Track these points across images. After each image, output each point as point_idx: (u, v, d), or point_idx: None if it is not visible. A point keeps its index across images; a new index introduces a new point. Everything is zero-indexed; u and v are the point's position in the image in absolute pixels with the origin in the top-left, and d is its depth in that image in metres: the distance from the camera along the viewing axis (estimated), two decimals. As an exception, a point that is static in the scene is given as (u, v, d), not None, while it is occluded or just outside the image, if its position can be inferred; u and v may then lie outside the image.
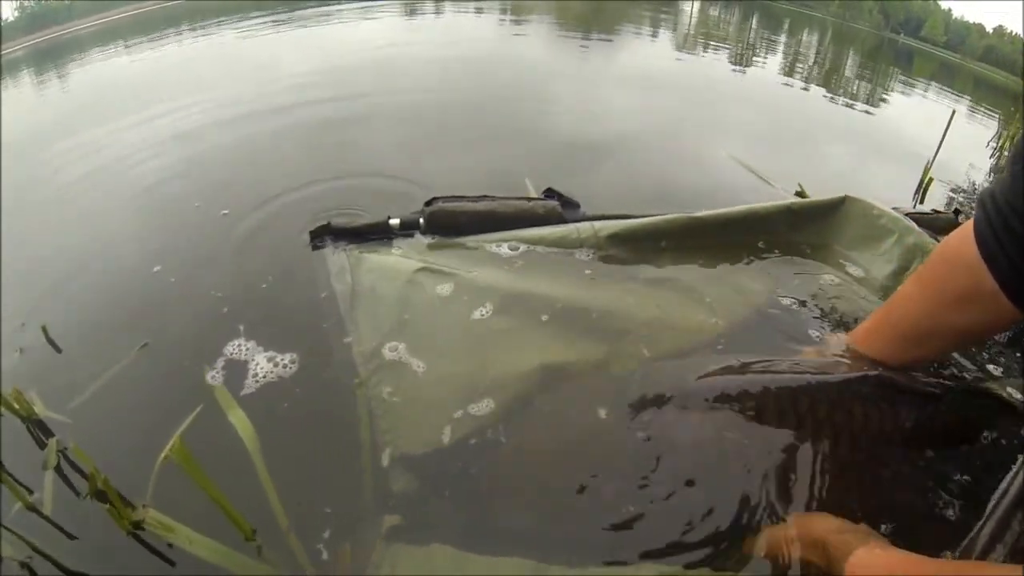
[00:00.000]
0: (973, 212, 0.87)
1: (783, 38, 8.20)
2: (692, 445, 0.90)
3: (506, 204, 1.51)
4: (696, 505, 0.86)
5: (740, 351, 1.07)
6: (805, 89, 5.03)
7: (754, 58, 6.28)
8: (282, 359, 1.18)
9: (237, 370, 1.17)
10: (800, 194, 2.11)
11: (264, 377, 1.15)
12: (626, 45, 5.84)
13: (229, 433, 0.99)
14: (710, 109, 3.65)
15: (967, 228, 0.85)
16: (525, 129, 2.79)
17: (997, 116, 5.40)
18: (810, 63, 6.98)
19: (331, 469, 1.01)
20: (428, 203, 1.52)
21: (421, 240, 1.50)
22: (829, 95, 4.95)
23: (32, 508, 0.94)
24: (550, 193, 1.63)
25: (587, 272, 1.39)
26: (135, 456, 0.97)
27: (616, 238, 1.45)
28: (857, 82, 6.27)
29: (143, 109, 3.06)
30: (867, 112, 4.49)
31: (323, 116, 2.79)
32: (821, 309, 1.31)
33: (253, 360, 1.18)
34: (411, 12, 6.88)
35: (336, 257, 1.45)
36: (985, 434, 0.96)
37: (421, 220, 1.50)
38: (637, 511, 0.86)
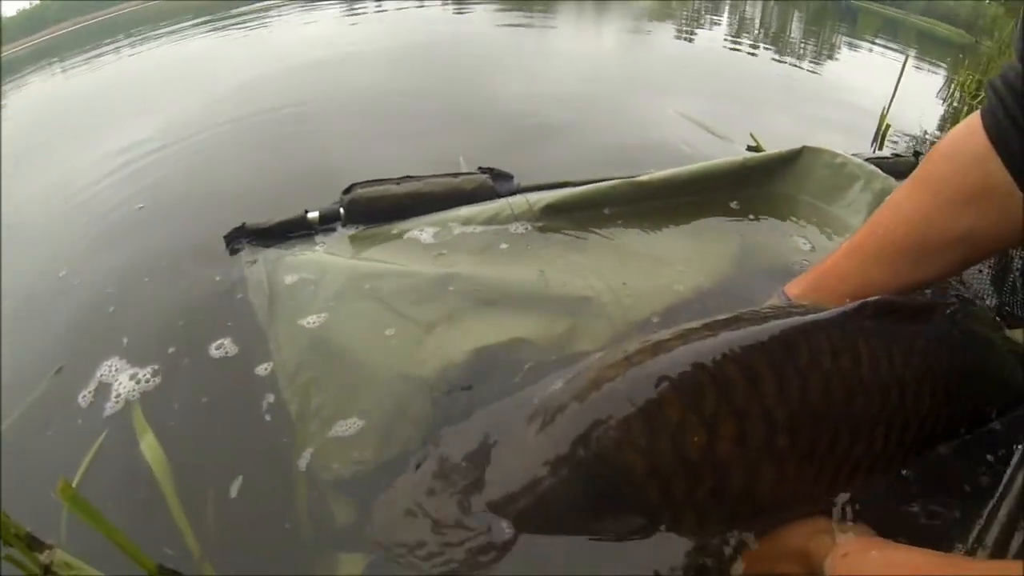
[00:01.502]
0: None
1: (727, 4, 8.16)
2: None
3: (431, 183, 1.38)
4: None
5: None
6: (753, 54, 4.97)
7: (699, 27, 6.21)
8: (189, 376, 1.06)
9: (142, 387, 1.05)
10: (755, 148, 2.03)
11: (172, 394, 1.04)
12: (567, 22, 5.72)
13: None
14: (657, 80, 3.56)
15: (971, 120, 0.74)
16: (469, 112, 2.68)
17: (944, 68, 5.41)
18: (756, 28, 6.94)
19: (257, 492, 0.88)
20: (346, 191, 1.38)
21: (344, 232, 1.36)
22: (777, 57, 4.91)
23: None
24: (482, 170, 1.51)
25: (527, 247, 1.26)
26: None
27: (552, 209, 1.33)
28: (804, 43, 6.25)
29: (78, 128, 2.87)
30: (814, 71, 4.46)
31: (265, 117, 2.64)
32: (801, 263, 1.19)
33: (155, 376, 1.07)
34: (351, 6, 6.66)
35: (253, 265, 1.29)
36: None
37: (341, 210, 1.36)
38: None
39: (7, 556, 0.72)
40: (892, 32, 8.17)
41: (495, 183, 1.42)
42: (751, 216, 1.38)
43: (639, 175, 1.40)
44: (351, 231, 1.36)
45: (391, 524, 0.73)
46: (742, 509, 0.70)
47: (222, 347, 1.11)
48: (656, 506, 0.67)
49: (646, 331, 0.97)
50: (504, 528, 0.66)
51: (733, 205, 1.41)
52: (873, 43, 6.81)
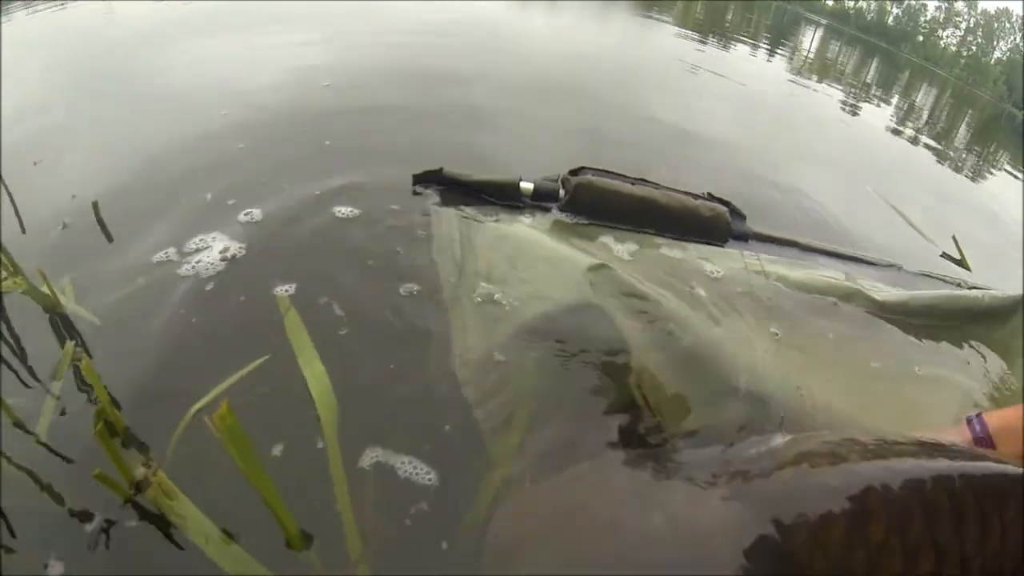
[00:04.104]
0: None
1: (899, 87, 7.72)
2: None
3: (669, 196, 1.22)
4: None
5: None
6: (913, 144, 4.62)
7: (865, 102, 5.86)
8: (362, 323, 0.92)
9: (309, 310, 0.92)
10: (961, 262, 1.85)
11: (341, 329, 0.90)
12: (740, 60, 5.46)
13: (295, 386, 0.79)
14: (819, 145, 3.29)
15: None
16: (611, 121, 2.48)
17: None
18: (922, 120, 6.52)
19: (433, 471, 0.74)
20: (574, 172, 1.23)
21: (556, 216, 1.21)
22: (937, 157, 4.55)
23: (19, 426, 0.73)
24: (713, 198, 1.34)
25: (754, 316, 1.10)
26: (166, 387, 0.78)
27: (787, 281, 1.21)
28: (968, 150, 5.82)
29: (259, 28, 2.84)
30: (971, 182, 4.10)
31: (428, 73, 2.51)
32: None
33: (324, 310, 0.93)
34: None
35: (444, 217, 1.14)
36: None
37: (560, 191, 1.21)
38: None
39: (98, 474, 0.62)
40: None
41: (731, 219, 1.24)
42: (971, 357, 1.25)
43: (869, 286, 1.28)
44: (566, 218, 1.21)
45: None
46: None
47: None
48: None
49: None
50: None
51: (959, 344, 1.28)
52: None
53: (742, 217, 1.29)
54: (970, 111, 8.06)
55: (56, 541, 0.62)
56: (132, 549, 0.63)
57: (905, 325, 1.24)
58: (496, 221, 1.15)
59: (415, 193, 1.23)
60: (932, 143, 5.11)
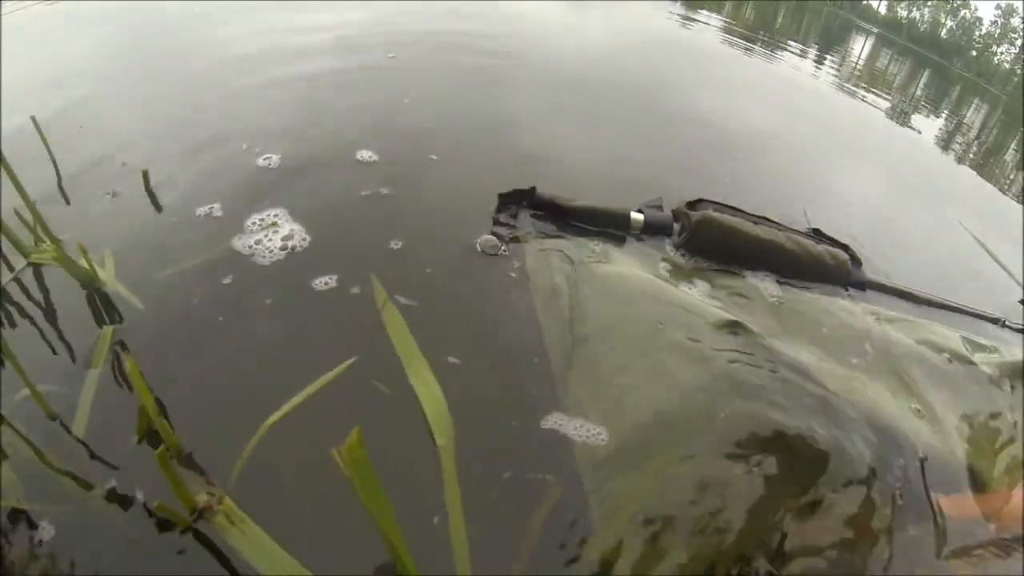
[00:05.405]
0: None
1: (948, 103, 7.50)
2: None
3: (793, 240, 1.13)
4: None
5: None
6: (959, 162, 4.44)
7: (913, 118, 5.67)
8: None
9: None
10: None
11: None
12: (788, 63, 5.30)
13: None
14: (867, 163, 3.16)
15: None
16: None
17: None
18: (971, 136, 6.31)
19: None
20: (692, 204, 1.14)
21: (670, 255, 1.12)
22: (982, 177, 4.37)
23: (54, 418, 0.68)
24: (824, 236, 1.25)
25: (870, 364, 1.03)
26: (219, 387, 0.72)
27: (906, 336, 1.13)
28: (1016, 172, 5.63)
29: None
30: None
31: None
32: None
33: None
34: None
35: (539, 254, 1.01)
36: None
37: (675, 225, 1.13)
38: None
39: (159, 506, 0.57)
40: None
41: (852, 267, 1.17)
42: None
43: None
44: (682, 259, 1.11)
45: None
46: None
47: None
48: None
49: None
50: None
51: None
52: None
53: (859, 263, 1.21)
54: (1021, 130, 7.82)
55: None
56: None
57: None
58: (601, 262, 1.02)
59: (496, 223, 1.07)
60: (978, 164, 4.93)
